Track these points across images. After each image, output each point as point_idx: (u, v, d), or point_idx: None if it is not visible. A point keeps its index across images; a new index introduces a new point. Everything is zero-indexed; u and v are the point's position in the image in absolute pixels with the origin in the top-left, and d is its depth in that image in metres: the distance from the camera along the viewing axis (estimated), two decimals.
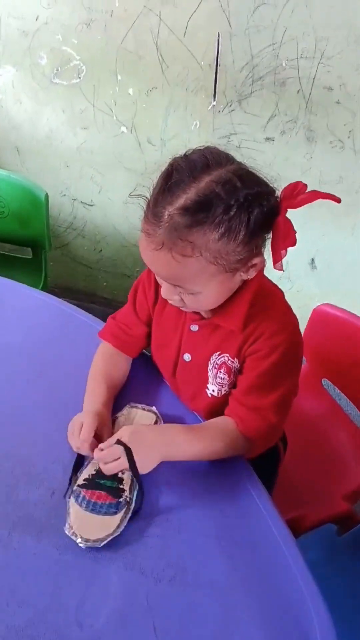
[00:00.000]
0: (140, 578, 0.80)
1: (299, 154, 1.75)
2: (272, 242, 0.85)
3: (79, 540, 0.82)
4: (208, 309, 0.95)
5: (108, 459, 0.89)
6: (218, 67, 1.69)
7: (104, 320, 1.17)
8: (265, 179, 0.84)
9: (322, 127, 1.68)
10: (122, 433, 0.91)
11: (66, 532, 0.84)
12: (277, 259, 0.88)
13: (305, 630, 0.76)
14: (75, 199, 2.24)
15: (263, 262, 0.87)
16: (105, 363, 1.09)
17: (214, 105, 1.76)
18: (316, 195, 0.84)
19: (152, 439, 0.92)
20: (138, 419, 1.01)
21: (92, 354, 1.11)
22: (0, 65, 1.99)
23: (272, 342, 0.92)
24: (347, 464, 1.37)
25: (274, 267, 0.88)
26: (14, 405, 1.06)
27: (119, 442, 0.89)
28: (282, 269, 0.87)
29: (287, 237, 0.85)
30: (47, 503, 0.88)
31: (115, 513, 0.86)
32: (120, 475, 0.91)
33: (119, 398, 1.06)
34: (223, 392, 1.01)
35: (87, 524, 0.84)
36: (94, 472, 0.92)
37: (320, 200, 1.85)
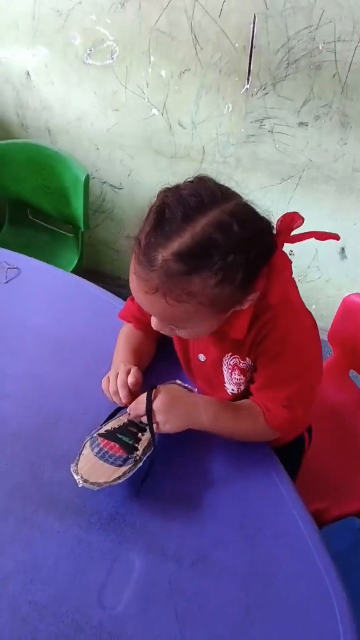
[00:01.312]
0: (162, 561, 0.80)
1: (332, 139, 1.72)
2: (268, 278, 0.82)
3: (78, 478, 0.85)
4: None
5: (139, 399, 0.91)
6: (253, 49, 1.66)
7: None
8: (260, 213, 0.80)
9: (357, 113, 1.64)
10: (160, 387, 0.92)
11: (71, 469, 0.87)
12: (275, 294, 0.85)
13: (327, 623, 0.75)
14: (104, 182, 2.24)
15: (258, 295, 0.84)
16: (129, 341, 1.08)
17: (247, 88, 1.73)
18: (314, 235, 0.81)
19: (186, 401, 0.92)
20: None
21: None
22: (33, 46, 1.99)
23: (279, 340, 0.90)
24: None
25: (271, 302, 0.86)
26: (41, 386, 1.07)
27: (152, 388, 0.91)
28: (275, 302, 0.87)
29: (283, 271, 0.83)
30: (71, 483, 0.88)
31: (121, 466, 0.87)
32: (139, 435, 0.92)
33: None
34: (242, 389, 1.01)
35: (91, 467, 0.87)
36: (116, 426, 0.94)
37: (351, 188, 1.81)
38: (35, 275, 1.35)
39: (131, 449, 0.89)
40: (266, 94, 1.72)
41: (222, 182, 0.81)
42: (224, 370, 0.99)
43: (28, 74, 2.07)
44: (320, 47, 1.59)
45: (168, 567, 0.80)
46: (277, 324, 0.89)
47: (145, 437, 0.92)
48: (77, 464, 0.88)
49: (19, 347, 1.15)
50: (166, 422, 0.90)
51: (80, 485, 0.84)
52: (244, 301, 0.83)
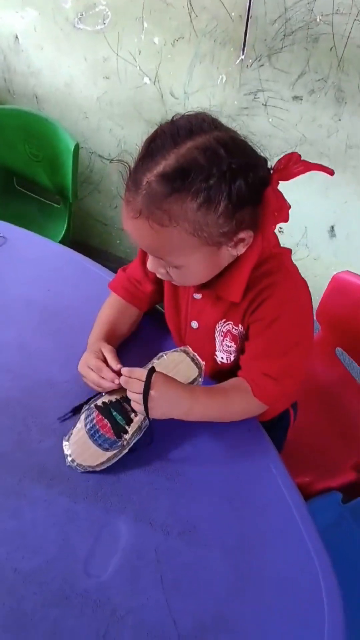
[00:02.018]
0: (149, 531, 0.80)
1: (326, 114, 1.69)
2: (262, 217, 0.82)
3: (68, 454, 0.87)
4: (196, 284, 0.93)
5: (135, 375, 0.88)
6: (249, 19, 1.62)
7: None
8: (255, 150, 0.80)
9: (353, 88, 1.61)
10: (158, 374, 0.89)
11: (63, 442, 0.89)
12: (266, 234, 0.85)
13: (311, 591, 0.76)
14: (92, 152, 2.19)
15: (252, 236, 0.83)
16: (111, 311, 1.08)
17: (242, 59, 1.70)
18: (308, 167, 0.80)
19: (177, 394, 0.89)
20: (182, 367, 0.97)
21: None
22: (22, 8, 1.92)
23: (275, 308, 0.90)
24: (357, 433, 1.37)
25: (263, 244, 0.86)
26: (28, 355, 1.05)
27: (151, 370, 0.88)
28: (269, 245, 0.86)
29: (278, 212, 0.82)
30: (58, 452, 0.88)
31: (107, 450, 0.87)
32: (132, 415, 0.91)
33: (128, 352, 1.04)
34: (232, 359, 1.00)
35: (80, 447, 0.88)
36: (113, 400, 0.93)
37: (344, 165, 1.80)
38: (22, 244, 1.33)
39: (120, 431, 0.89)
40: (261, 65, 1.69)
41: None
42: (216, 338, 0.98)
43: (17, 37, 2.00)
44: (318, 20, 1.56)
45: (155, 537, 0.80)
46: (275, 291, 0.89)
47: (137, 419, 0.90)
48: (69, 439, 0.89)
49: (5, 316, 1.13)
50: (156, 408, 0.87)
51: (67, 464, 0.86)
52: (234, 239, 0.82)
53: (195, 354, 0.97)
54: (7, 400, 0.96)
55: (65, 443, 0.89)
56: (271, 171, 0.81)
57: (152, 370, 0.88)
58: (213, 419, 0.94)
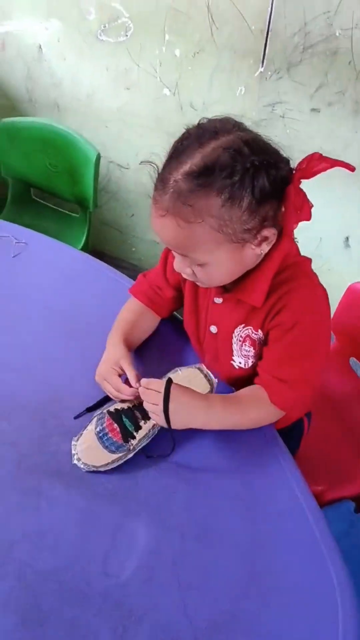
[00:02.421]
0: (166, 533, 0.82)
1: (344, 127, 1.71)
2: (284, 214, 0.84)
3: (74, 453, 0.90)
4: (220, 285, 0.94)
5: (152, 386, 0.91)
6: (269, 32, 1.64)
7: None
8: (277, 149, 0.83)
9: None
10: (175, 386, 0.91)
11: (72, 442, 0.92)
12: (287, 232, 0.87)
13: (325, 595, 0.77)
14: (111, 161, 2.22)
15: (275, 234, 0.85)
16: (131, 315, 1.10)
17: (261, 71, 1.72)
18: (332, 163, 0.83)
19: (194, 405, 0.91)
20: (195, 382, 0.99)
21: None
22: (47, 19, 1.96)
23: (295, 314, 0.91)
24: None
25: (283, 242, 0.88)
26: (47, 360, 1.07)
27: (169, 381, 0.90)
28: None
29: (300, 210, 0.84)
30: None
31: (113, 453, 0.89)
32: (141, 423, 0.93)
33: (144, 358, 1.07)
34: (250, 364, 1.01)
35: (88, 447, 0.90)
36: (125, 407, 0.95)
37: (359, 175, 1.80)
38: (43, 250, 1.35)
39: (128, 437, 0.91)
40: (280, 78, 1.71)
41: None
42: (233, 343, 1.00)
43: (40, 47, 2.04)
44: (337, 34, 1.58)
45: (172, 539, 0.81)
46: (295, 297, 0.91)
47: (146, 427, 0.93)
48: (77, 439, 0.91)
49: (26, 321, 1.15)
50: (175, 419, 0.89)
51: (73, 462, 0.88)
52: (258, 236, 0.84)
53: (209, 371, 1.00)
54: (26, 403, 0.98)
55: (74, 443, 0.91)
56: (293, 171, 0.84)
57: (170, 381, 0.89)
58: (231, 426, 0.95)
